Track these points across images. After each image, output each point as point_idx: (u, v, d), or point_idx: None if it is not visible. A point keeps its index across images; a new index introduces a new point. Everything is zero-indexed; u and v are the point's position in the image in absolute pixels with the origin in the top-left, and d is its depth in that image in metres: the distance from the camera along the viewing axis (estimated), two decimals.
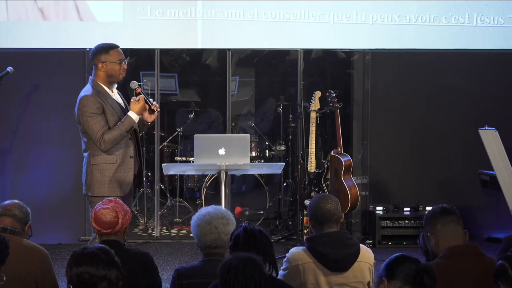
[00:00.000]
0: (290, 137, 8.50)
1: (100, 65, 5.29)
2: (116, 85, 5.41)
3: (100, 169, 5.21)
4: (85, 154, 5.30)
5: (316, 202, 4.12)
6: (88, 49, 7.76)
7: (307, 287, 4.03)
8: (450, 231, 3.69)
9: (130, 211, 4.21)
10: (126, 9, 7.67)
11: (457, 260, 3.60)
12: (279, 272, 4.12)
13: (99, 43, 5.45)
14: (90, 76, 5.40)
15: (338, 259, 4.01)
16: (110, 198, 4.19)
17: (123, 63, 5.32)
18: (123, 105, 5.40)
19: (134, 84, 5.37)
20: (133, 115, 5.25)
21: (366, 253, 4.13)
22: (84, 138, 5.29)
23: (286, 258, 4.09)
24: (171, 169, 5.38)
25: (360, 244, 4.15)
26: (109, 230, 4.00)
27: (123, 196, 5.23)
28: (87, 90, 5.30)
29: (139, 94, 5.35)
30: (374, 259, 4.17)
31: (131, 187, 5.34)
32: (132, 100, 5.32)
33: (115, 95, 5.38)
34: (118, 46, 5.39)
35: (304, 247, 4.09)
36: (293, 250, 4.12)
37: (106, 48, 5.33)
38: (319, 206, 4.09)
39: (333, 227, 4.09)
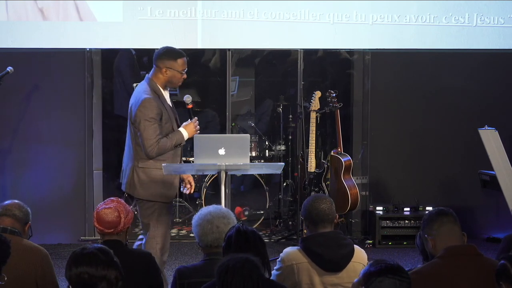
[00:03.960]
0: (290, 137, 8.50)
1: (164, 69, 5.28)
2: (168, 88, 5.43)
3: (148, 173, 5.23)
4: (130, 153, 5.32)
5: (310, 202, 4.13)
6: (88, 49, 7.77)
7: (301, 287, 4.03)
8: (447, 232, 3.68)
9: (132, 211, 4.21)
10: (126, 9, 7.66)
11: (455, 260, 3.59)
12: (272, 272, 4.12)
13: (166, 45, 5.46)
14: (147, 75, 5.39)
15: (332, 259, 4.01)
16: (112, 198, 4.20)
17: (184, 73, 5.34)
18: (174, 110, 5.45)
19: (188, 98, 5.43)
20: (184, 133, 5.30)
21: (360, 254, 4.14)
22: (133, 137, 5.29)
23: (280, 258, 4.09)
24: (171, 169, 5.37)
25: (354, 245, 4.15)
26: (111, 230, 4.01)
27: (168, 203, 5.31)
28: (147, 91, 5.26)
29: (190, 109, 5.42)
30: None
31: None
32: (193, 121, 5.35)
33: (168, 99, 5.40)
34: (186, 56, 5.41)
35: (299, 247, 4.09)
36: (287, 250, 4.13)
37: (175, 55, 5.32)
38: (313, 206, 4.09)
39: (327, 227, 4.09)
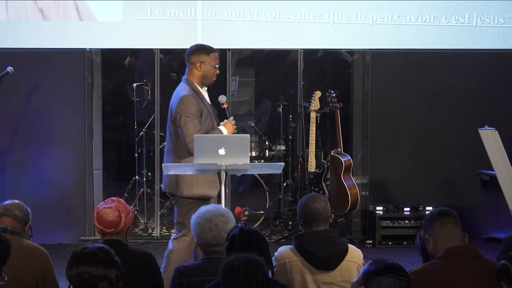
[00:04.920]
0: (290, 137, 8.50)
1: (198, 64, 5.40)
2: (206, 87, 5.52)
3: None
4: (170, 154, 5.39)
5: (304, 201, 4.15)
6: (88, 49, 7.77)
7: (294, 286, 4.04)
8: (448, 233, 3.67)
9: (133, 211, 4.21)
10: (126, 9, 7.66)
11: (455, 261, 3.58)
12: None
13: (198, 43, 5.61)
14: (183, 76, 5.49)
15: (324, 258, 4.02)
16: (112, 198, 4.20)
17: (217, 68, 5.44)
18: (213, 108, 5.55)
19: (223, 98, 5.54)
20: (224, 131, 5.40)
21: (354, 253, 4.14)
22: (174, 137, 5.36)
23: (274, 257, 4.11)
24: (171, 169, 5.38)
25: (349, 244, 4.15)
26: (112, 230, 4.02)
27: (213, 198, 5.35)
28: (186, 89, 5.37)
29: (226, 108, 5.54)
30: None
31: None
32: (230, 119, 5.47)
33: (207, 96, 5.49)
34: (216, 51, 5.52)
35: (292, 246, 4.10)
36: (281, 248, 4.16)
37: (207, 49, 5.45)
38: (307, 205, 4.11)
39: (321, 226, 4.10)
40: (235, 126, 5.50)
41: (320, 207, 4.10)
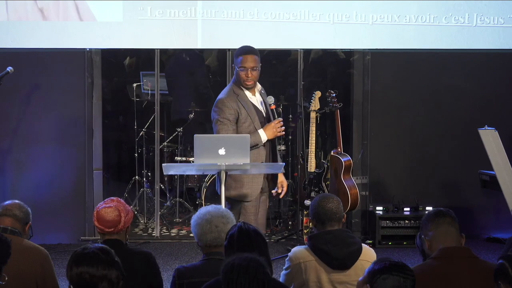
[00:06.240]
0: (290, 137, 8.50)
1: (233, 65, 5.50)
2: (261, 88, 5.56)
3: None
4: None
5: (318, 201, 4.16)
6: (88, 49, 7.77)
7: (309, 286, 4.05)
8: (443, 233, 3.67)
9: (132, 211, 4.21)
10: (126, 9, 7.66)
11: (448, 262, 3.58)
12: (282, 272, 4.14)
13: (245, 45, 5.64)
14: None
15: (339, 257, 4.03)
16: (112, 197, 4.20)
17: (248, 71, 5.40)
18: (260, 108, 5.52)
19: (270, 99, 5.56)
20: (263, 134, 5.41)
21: (368, 252, 4.16)
22: None
23: (288, 257, 4.12)
24: (171, 169, 5.38)
25: (363, 244, 4.17)
26: (112, 229, 4.02)
27: (251, 201, 5.40)
28: (225, 91, 5.45)
29: (273, 110, 5.54)
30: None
31: (259, 194, 5.49)
32: (275, 122, 5.45)
33: (254, 97, 5.49)
34: (251, 53, 5.47)
35: (306, 246, 4.11)
36: (295, 249, 4.16)
37: (238, 52, 5.49)
38: (321, 205, 4.12)
39: (335, 226, 4.13)
40: (282, 128, 5.47)
41: (333, 207, 4.12)
